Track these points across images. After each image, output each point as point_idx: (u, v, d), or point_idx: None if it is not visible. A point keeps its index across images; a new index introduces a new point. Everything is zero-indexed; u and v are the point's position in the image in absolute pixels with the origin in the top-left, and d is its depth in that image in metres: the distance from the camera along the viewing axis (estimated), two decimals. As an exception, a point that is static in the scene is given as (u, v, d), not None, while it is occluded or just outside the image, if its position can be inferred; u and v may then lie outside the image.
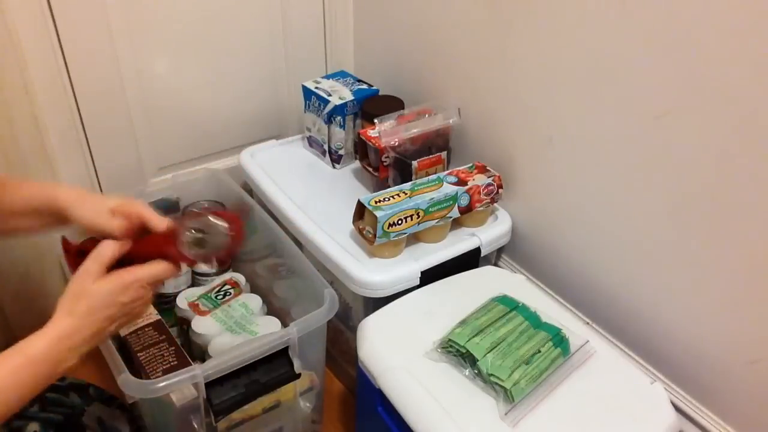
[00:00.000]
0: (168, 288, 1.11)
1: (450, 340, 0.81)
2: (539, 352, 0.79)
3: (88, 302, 0.63)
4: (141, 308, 0.68)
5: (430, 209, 0.98)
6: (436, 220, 1.00)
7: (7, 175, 0.81)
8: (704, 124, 0.75)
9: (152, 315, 0.97)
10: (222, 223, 0.70)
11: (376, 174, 1.13)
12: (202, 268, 1.14)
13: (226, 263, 0.74)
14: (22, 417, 0.75)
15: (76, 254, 0.72)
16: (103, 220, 0.70)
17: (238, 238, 0.70)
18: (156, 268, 0.67)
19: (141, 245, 0.69)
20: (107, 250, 0.66)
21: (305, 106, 1.25)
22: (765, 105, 0.68)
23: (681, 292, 0.85)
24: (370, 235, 0.96)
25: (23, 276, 1.19)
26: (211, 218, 0.71)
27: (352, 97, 1.19)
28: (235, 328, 0.99)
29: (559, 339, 0.82)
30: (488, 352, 0.78)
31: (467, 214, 1.03)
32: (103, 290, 0.64)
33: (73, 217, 0.71)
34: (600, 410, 0.77)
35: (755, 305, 0.77)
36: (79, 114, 1.13)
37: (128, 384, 0.77)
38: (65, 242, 0.75)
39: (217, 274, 1.17)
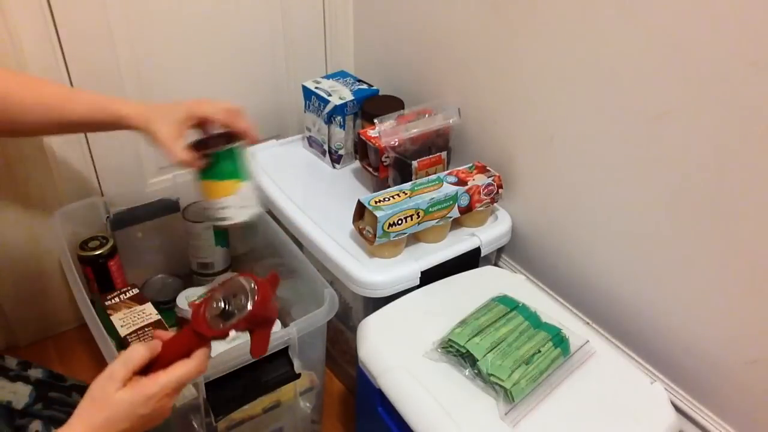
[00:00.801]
0: (168, 292, 1.11)
1: (450, 340, 0.81)
2: (539, 352, 0.79)
3: (107, 414, 0.59)
4: (160, 418, 0.64)
5: (430, 209, 0.98)
6: (436, 220, 1.00)
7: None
8: (705, 123, 0.75)
9: (152, 315, 0.97)
10: (248, 285, 0.66)
11: (376, 174, 1.13)
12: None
13: (261, 349, 0.70)
14: (26, 415, 0.75)
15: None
16: (177, 136, 0.76)
17: (263, 301, 0.64)
18: (181, 371, 0.63)
19: (170, 346, 0.65)
20: (136, 354, 0.62)
21: (305, 106, 1.25)
22: (765, 104, 0.68)
23: (681, 292, 0.85)
24: (370, 235, 0.96)
25: (23, 276, 1.19)
26: (239, 281, 0.66)
27: (352, 97, 1.19)
28: (235, 328, 0.99)
29: (559, 339, 0.82)
30: (488, 352, 0.78)
31: (467, 214, 1.03)
32: (125, 402, 0.60)
33: (148, 134, 0.78)
34: (600, 410, 0.77)
35: (755, 305, 0.77)
36: (79, 114, 1.13)
37: (128, 384, 0.76)
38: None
39: (217, 274, 1.17)
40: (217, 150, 0.77)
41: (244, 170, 0.80)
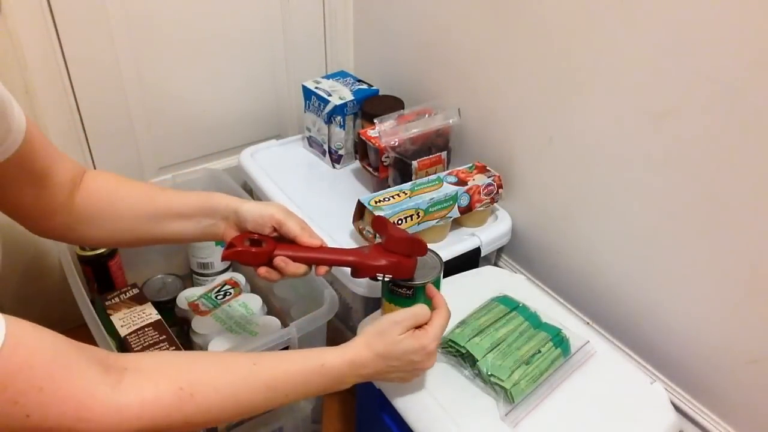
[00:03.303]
0: (168, 292, 1.11)
1: (450, 340, 0.81)
2: (539, 352, 0.79)
3: (387, 348, 0.69)
4: (420, 371, 0.75)
5: (430, 209, 0.98)
6: (436, 220, 1.00)
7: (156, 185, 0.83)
8: (706, 123, 0.75)
9: (152, 315, 0.97)
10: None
11: (376, 174, 1.13)
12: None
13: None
14: None
15: (249, 242, 0.73)
16: (282, 214, 0.74)
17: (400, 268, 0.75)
18: (440, 320, 0.73)
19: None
20: (424, 316, 0.72)
21: (305, 106, 1.25)
22: (766, 104, 0.68)
23: (681, 292, 0.85)
24: (370, 235, 0.96)
25: (23, 276, 1.19)
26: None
27: (352, 97, 1.19)
28: (235, 328, 0.99)
29: (559, 339, 0.82)
30: (488, 353, 0.78)
31: (467, 214, 1.03)
32: (403, 345, 0.69)
33: (246, 213, 0.74)
34: (600, 410, 0.77)
35: (755, 305, 0.77)
36: (79, 114, 1.13)
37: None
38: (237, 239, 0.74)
39: (217, 274, 1.17)
40: (424, 282, 0.77)
41: None
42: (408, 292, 0.76)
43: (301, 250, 0.73)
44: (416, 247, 0.76)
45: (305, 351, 0.67)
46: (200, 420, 0.57)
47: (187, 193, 0.79)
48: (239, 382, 0.60)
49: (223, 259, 0.73)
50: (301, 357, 0.66)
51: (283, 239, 0.74)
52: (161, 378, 0.55)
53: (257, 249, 0.72)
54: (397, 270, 0.75)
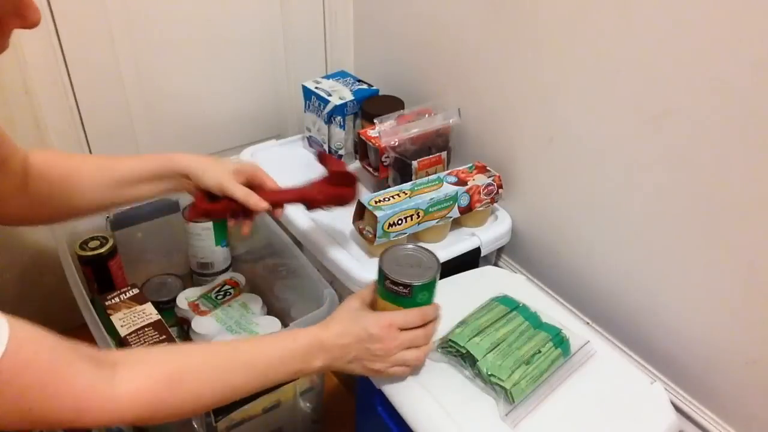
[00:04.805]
0: (168, 292, 1.11)
1: (450, 340, 0.81)
2: (539, 352, 0.79)
3: (347, 324, 0.72)
4: (382, 362, 0.73)
5: (430, 209, 0.98)
6: (436, 220, 1.00)
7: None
8: (705, 123, 0.75)
9: (152, 315, 0.97)
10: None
11: (376, 174, 1.13)
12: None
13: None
14: None
15: (207, 198, 0.82)
16: (227, 182, 0.80)
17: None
18: (410, 314, 0.73)
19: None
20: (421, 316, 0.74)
21: (305, 106, 1.25)
22: (765, 104, 0.68)
23: (681, 292, 0.85)
24: (370, 235, 0.96)
25: (23, 276, 1.19)
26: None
27: (352, 97, 1.19)
28: (235, 328, 0.99)
29: (559, 339, 0.82)
30: (488, 353, 0.78)
31: (467, 214, 1.03)
32: (362, 321, 0.72)
33: (198, 180, 0.80)
34: (600, 410, 0.77)
35: (754, 305, 0.77)
36: (79, 114, 1.13)
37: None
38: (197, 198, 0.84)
39: (217, 274, 1.17)
40: (421, 282, 0.75)
41: (433, 299, 0.79)
42: (405, 290, 0.76)
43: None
44: (351, 177, 0.88)
45: (280, 332, 0.72)
46: (190, 404, 0.61)
47: (146, 157, 0.84)
48: (222, 365, 0.64)
49: (189, 220, 0.83)
50: (276, 336, 0.70)
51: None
52: (151, 368, 0.59)
53: (219, 204, 0.81)
54: (340, 198, 0.88)
